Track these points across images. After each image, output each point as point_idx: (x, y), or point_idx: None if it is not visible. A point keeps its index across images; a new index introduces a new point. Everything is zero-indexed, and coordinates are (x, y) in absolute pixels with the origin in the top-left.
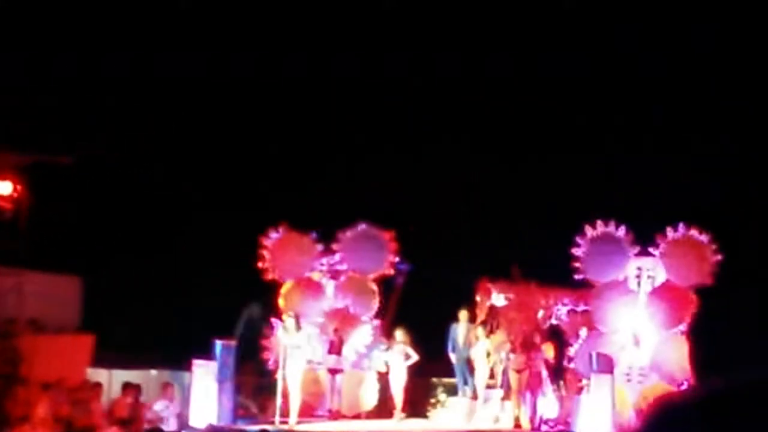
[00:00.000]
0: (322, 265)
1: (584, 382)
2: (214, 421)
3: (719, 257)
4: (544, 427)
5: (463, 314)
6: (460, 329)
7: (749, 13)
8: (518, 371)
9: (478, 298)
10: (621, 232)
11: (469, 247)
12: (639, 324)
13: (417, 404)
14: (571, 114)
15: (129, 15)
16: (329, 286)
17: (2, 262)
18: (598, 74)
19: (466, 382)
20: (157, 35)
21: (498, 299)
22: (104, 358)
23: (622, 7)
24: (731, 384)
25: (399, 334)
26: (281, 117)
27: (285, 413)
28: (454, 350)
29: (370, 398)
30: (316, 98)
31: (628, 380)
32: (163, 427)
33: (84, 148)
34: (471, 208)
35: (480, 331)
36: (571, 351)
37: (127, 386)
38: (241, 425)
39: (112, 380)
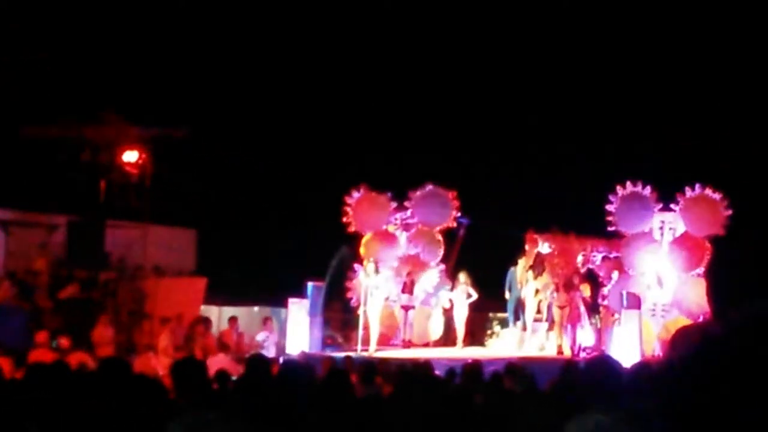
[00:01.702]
0: (396, 219)
1: (616, 316)
2: (306, 349)
3: (730, 212)
4: (582, 354)
5: (521, 261)
6: (517, 272)
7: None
8: (561, 307)
9: (526, 247)
10: (646, 191)
11: (519, 204)
12: (662, 268)
13: (475, 335)
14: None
15: None
16: (402, 236)
17: (130, 218)
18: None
19: (517, 317)
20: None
21: (543, 248)
22: (215, 297)
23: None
24: (739, 316)
25: (461, 276)
26: (359, 97)
27: (365, 342)
28: (510, 290)
29: (436, 330)
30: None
31: (653, 315)
32: (264, 353)
33: (197, 122)
34: (522, 170)
35: (530, 274)
36: (605, 290)
37: (232, 319)
38: (328, 352)
39: (221, 315)
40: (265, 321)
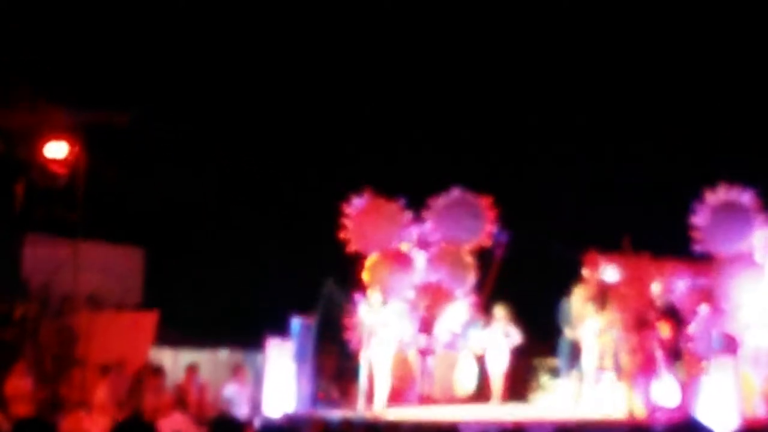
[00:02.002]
0: (411, 235)
1: (704, 364)
2: (291, 407)
3: None
4: (659, 414)
5: (578, 290)
6: (573, 306)
7: None
8: (631, 352)
9: (585, 272)
10: (746, 197)
11: (575, 214)
12: (767, 300)
13: (517, 387)
14: (692, 66)
15: None
16: (419, 257)
17: (57, 232)
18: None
19: (572, 365)
20: None
21: (609, 273)
22: (168, 337)
23: None
24: None
25: (498, 310)
26: (362, 70)
27: (370, 399)
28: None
29: (465, 382)
30: (405, 51)
31: (755, 363)
32: (234, 412)
33: (145, 104)
34: (576, 169)
35: (589, 308)
36: (690, 330)
37: (191, 368)
38: (320, 412)
39: (177, 361)
40: (236, 369)
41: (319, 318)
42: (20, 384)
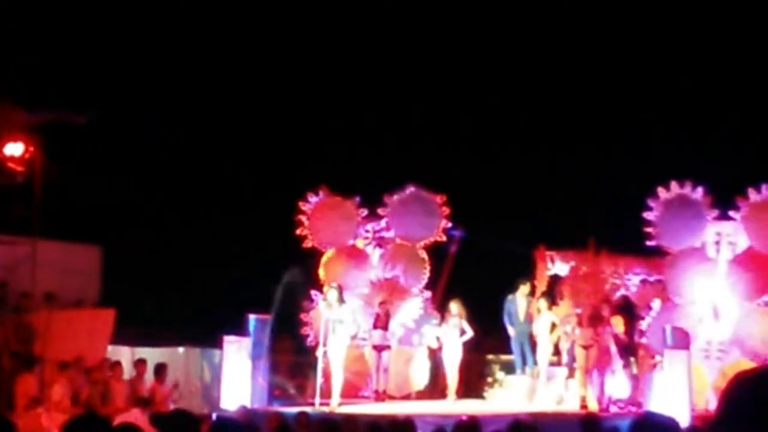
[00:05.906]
0: (366, 231)
1: (657, 358)
2: (247, 403)
3: None
4: (613, 408)
5: (522, 286)
6: (518, 302)
7: None
8: (585, 347)
9: (537, 268)
10: (698, 193)
11: (528, 210)
12: (718, 295)
13: (472, 383)
14: (644, 67)
15: None
16: (375, 254)
17: (15, 231)
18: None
19: (525, 360)
20: None
21: (561, 268)
22: (126, 335)
23: None
24: None
25: (453, 306)
26: (317, 69)
27: (326, 394)
28: (512, 324)
29: (420, 377)
30: (357, 50)
31: (707, 357)
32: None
33: (102, 105)
34: (529, 166)
35: (543, 303)
36: (643, 325)
37: (139, 363)
38: (276, 407)
39: (134, 358)
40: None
41: (275, 314)
42: (59, 393)
